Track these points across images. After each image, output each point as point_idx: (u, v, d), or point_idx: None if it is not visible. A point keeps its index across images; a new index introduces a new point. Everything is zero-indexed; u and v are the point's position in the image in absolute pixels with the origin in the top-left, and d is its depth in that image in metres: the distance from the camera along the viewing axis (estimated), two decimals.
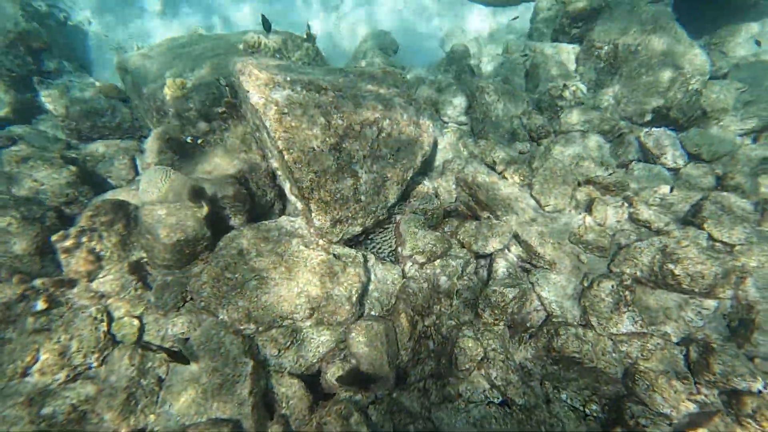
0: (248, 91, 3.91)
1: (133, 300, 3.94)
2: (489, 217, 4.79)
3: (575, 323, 3.90)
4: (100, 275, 4.04)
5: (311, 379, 3.67)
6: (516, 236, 4.51)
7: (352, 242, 4.34)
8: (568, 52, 6.08)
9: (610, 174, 5.02)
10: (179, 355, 3.34)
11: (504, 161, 5.16)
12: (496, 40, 7.62)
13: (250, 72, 4.02)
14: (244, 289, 3.71)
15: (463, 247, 4.54)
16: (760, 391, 3.15)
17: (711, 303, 3.84)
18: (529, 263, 4.44)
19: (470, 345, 3.72)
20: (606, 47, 5.62)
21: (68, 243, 3.93)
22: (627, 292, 3.84)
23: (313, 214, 3.97)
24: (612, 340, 3.73)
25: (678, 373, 3.47)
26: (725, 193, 4.49)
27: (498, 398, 3.53)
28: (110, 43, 7.11)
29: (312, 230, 4.14)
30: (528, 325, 3.97)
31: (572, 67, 5.99)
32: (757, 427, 3.05)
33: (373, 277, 4.20)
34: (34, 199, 4.18)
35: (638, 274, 4.04)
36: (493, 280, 4.21)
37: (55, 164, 4.39)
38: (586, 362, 3.63)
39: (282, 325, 3.74)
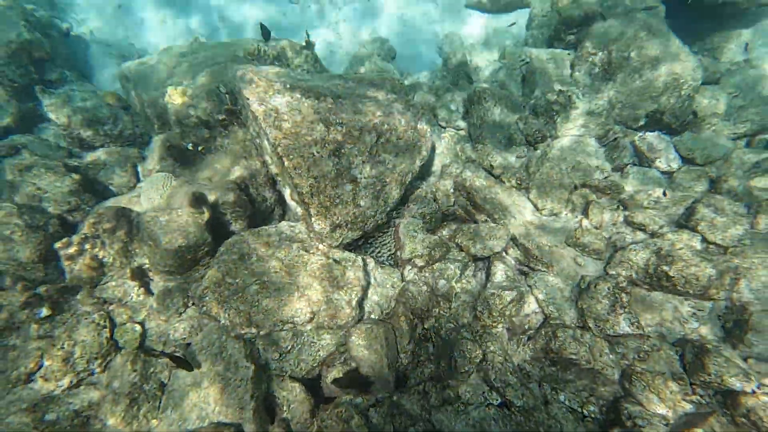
0: (248, 98, 3.98)
1: (136, 306, 3.98)
2: (486, 220, 4.85)
3: (573, 325, 3.95)
4: (103, 281, 4.09)
5: (312, 383, 3.71)
6: (513, 239, 4.57)
7: (352, 246, 4.40)
8: (564, 58, 6.17)
9: (605, 177, 5.09)
10: (182, 360, 3.38)
11: (501, 165, 5.24)
12: (493, 45, 7.72)
13: (250, 79, 4.10)
14: (245, 294, 3.75)
15: (462, 250, 4.59)
16: (754, 391, 3.20)
17: (706, 304, 3.90)
18: (526, 266, 4.49)
19: (469, 347, 3.77)
20: (600, 53, 5.72)
21: (71, 250, 3.99)
22: (623, 294, 3.90)
23: (312, 219, 4.02)
24: (609, 341, 3.78)
25: (674, 373, 3.52)
26: (719, 196, 4.56)
27: (497, 400, 3.57)
28: (111, 52, 7.20)
29: (312, 235, 4.19)
30: (526, 327, 4.02)
31: (567, 72, 6.07)
32: (752, 426, 3.10)
33: (372, 280, 4.25)
34: (38, 207, 4.23)
35: (633, 276, 4.10)
36: (491, 283, 4.26)
37: (58, 172, 4.45)
38: (584, 364, 3.67)
39: (283, 329, 3.78)
